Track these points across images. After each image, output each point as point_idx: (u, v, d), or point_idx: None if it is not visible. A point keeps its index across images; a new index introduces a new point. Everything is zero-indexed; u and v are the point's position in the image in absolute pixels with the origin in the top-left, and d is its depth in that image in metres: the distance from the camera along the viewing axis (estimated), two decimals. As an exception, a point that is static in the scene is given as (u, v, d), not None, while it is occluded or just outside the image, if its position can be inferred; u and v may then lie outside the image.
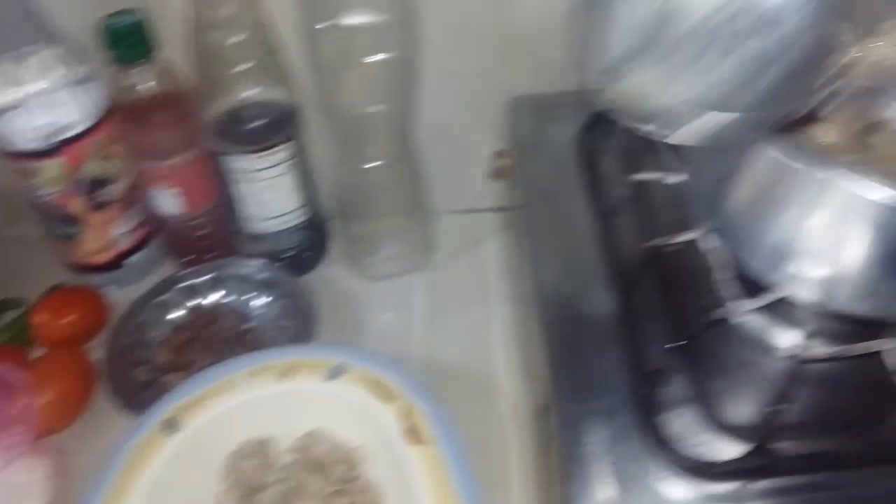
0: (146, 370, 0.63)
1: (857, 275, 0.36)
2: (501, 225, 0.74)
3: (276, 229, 0.66)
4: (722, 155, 0.39)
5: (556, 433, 0.41)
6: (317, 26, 0.54)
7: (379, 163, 0.63)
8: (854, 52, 0.46)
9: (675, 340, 0.40)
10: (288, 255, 0.69)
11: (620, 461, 0.39)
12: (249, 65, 0.57)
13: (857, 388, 0.41)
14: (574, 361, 0.43)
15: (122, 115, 0.61)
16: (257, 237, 0.67)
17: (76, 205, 0.63)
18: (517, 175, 0.55)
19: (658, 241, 0.43)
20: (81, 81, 0.59)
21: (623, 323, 0.44)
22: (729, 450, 0.39)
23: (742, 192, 0.38)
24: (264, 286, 0.67)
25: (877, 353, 0.40)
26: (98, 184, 0.63)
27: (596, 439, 0.39)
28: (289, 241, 0.68)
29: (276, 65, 0.60)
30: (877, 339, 0.40)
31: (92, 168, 0.62)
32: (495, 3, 0.62)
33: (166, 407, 0.55)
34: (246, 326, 0.66)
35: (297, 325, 0.64)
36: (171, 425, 0.54)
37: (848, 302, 0.37)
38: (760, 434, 0.37)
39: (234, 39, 0.56)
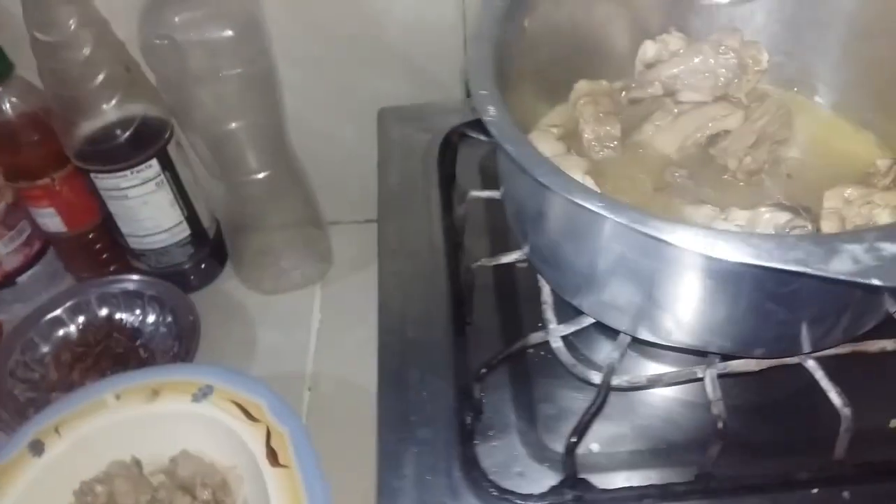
0: (31, 390, 0.63)
1: (655, 308, 0.36)
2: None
3: (158, 245, 0.66)
4: (515, 180, 0.39)
5: (377, 465, 0.40)
6: (156, 41, 0.53)
7: (257, 176, 0.63)
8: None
9: (490, 365, 0.40)
10: (179, 269, 0.69)
11: (435, 495, 0.38)
12: (101, 79, 0.57)
13: (673, 417, 0.41)
14: (401, 386, 0.43)
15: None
16: (143, 253, 0.67)
17: (-45, 225, 0.63)
18: (383, 182, 0.54)
19: (484, 262, 0.43)
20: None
21: (454, 346, 0.43)
22: (543, 481, 0.39)
23: (537, 221, 0.38)
24: (153, 302, 0.67)
25: (700, 380, 0.40)
26: (-28, 206, 0.63)
27: (412, 471, 0.39)
28: (176, 256, 0.68)
29: (135, 81, 0.59)
30: (696, 365, 0.40)
31: (-41, 193, 0.62)
32: (360, 14, 0.61)
33: (32, 429, 0.55)
34: (140, 342, 0.67)
35: (179, 344, 0.63)
36: (37, 447, 0.54)
37: (648, 331, 0.37)
38: (568, 465, 0.37)
39: (80, 56, 0.56)
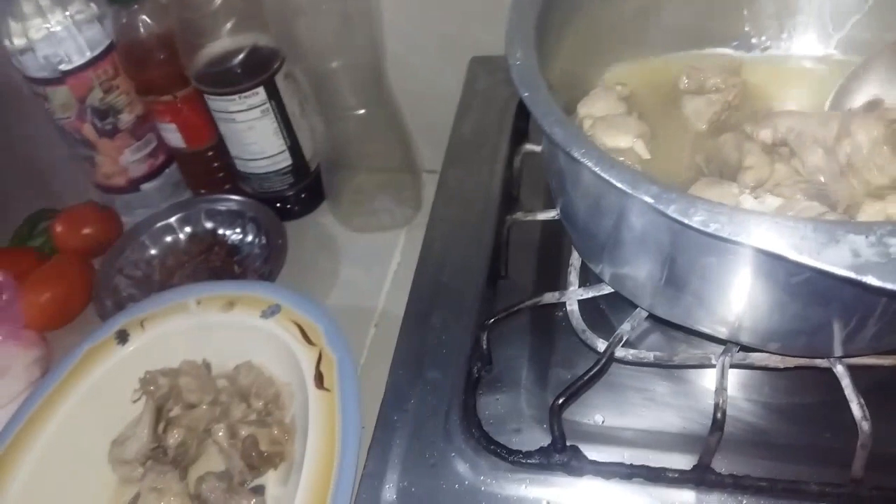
0: (135, 287, 0.70)
1: (671, 285, 0.34)
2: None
3: (261, 171, 0.70)
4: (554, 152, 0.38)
5: (383, 394, 0.42)
6: None
7: (354, 113, 0.65)
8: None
9: (498, 317, 0.39)
10: (280, 197, 0.73)
11: (430, 435, 0.39)
12: (218, 3, 0.61)
13: (687, 403, 0.39)
14: (423, 332, 0.43)
15: (121, 51, 0.67)
16: (249, 177, 0.71)
17: (88, 130, 0.70)
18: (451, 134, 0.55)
19: (519, 216, 0.43)
20: (82, 21, 0.65)
21: (482, 296, 0.44)
22: (537, 442, 0.38)
23: (558, 177, 0.37)
24: (252, 223, 0.72)
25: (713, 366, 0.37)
26: (104, 113, 0.70)
27: (414, 408, 0.40)
28: (276, 183, 0.72)
29: (249, 9, 0.63)
30: (713, 352, 0.37)
31: (96, 97, 0.68)
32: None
33: (121, 320, 0.61)
34: (236, 258, 0.71)
35: (266, 265, 0.67)
36: (122, 337, 0.60)
37: (663, 309, 0.35)
38: (555, 428, 0.36)
39: None
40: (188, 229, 0.73)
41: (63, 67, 0.66)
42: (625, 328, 0.37)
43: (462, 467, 0.37)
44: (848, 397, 0.35)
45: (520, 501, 0.37)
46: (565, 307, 0.39)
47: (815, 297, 0.31)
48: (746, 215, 0.27)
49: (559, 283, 0.42)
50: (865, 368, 0.36)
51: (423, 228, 0.71)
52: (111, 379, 0.59)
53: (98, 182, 0.75)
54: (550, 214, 0.42)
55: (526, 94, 0.32)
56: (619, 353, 0.37)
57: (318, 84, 0.64)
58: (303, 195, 0.74)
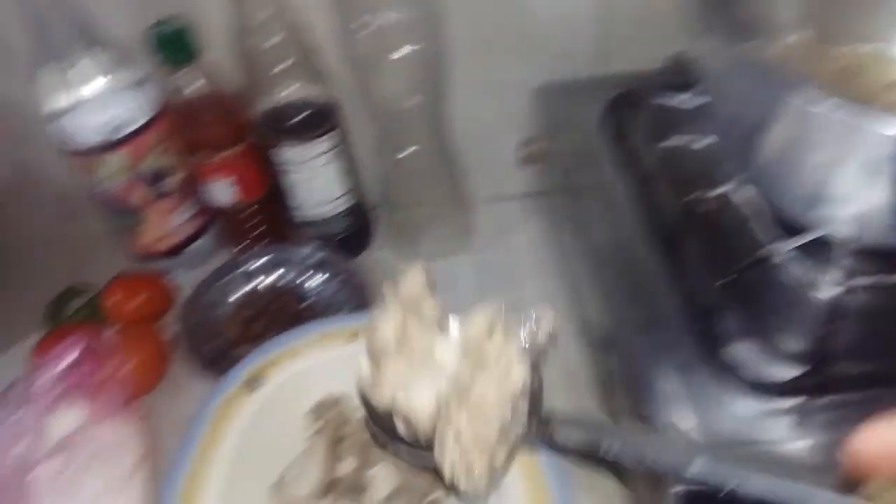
0: (219, 343, 0.69)
1: (886, 209, 0.42)
2: (533, 209, 0.80)
3: (324, 215, 0.73)
4: (749, 109, 0.46)
5: (623, 366, 0.47)
6: (350, 26, 0.61)
7: (414, 149, 0.69)
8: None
9: (723, 278, 0.46)
10: (336, 239, 0.75)
11: (689, 385, 0.45)
12: (288, 64, 0.64)
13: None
14: (631, 305, 0.49)
15: (175, 112, 0.68)
16: (307, 223, 0.73)
17: (138, 196, 0.69)
18: (549, 155, 0.61)
19: (695, 196, 0.50)
20: (137, 82, 0.65)
21: (670, 271, 0.50)
22: (788, 372, 0.45)
23: (772, 142, 0.45)
24: (318, 267, 0.73)
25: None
26: (158, 176, 0.69)
27: (662, 369, 0.45)
28: (337, 226, 0.74)
29: (313, 63, 0.66)
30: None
31: (152, 161, 0.68)
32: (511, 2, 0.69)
33: (247, 367, 0.60)
34: (303, 305, 0.72)
35: (353, 300, 0.69)
36: (252, 383, 0.59)
37: (881, 235, 0.44)
38: (814, 358, 0.44)
39: (272, 42, 0.63)
40: (253, 283, 0.73)
41: (122, 131, 0.65)
42: (843, 263, 0.45)
43: (729, 406, 0.43)
44: None
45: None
46: (770, 262, 0.46)
47: None
48: None
49: (743, 249, 0.49)
50: None
51: (477, 254, 0.78)
52: (253, 427, 0.58)
53: (140, 250, 0.73)
54: (727, 188, 0.50)
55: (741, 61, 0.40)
56: (848, 283, 0.45)
57: (385, 124, 0.69)
58: (357, 235, 0.77)
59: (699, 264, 0.50)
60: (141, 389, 0.65)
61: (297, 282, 0.73)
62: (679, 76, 0.62)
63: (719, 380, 0.45)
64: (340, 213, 0.73)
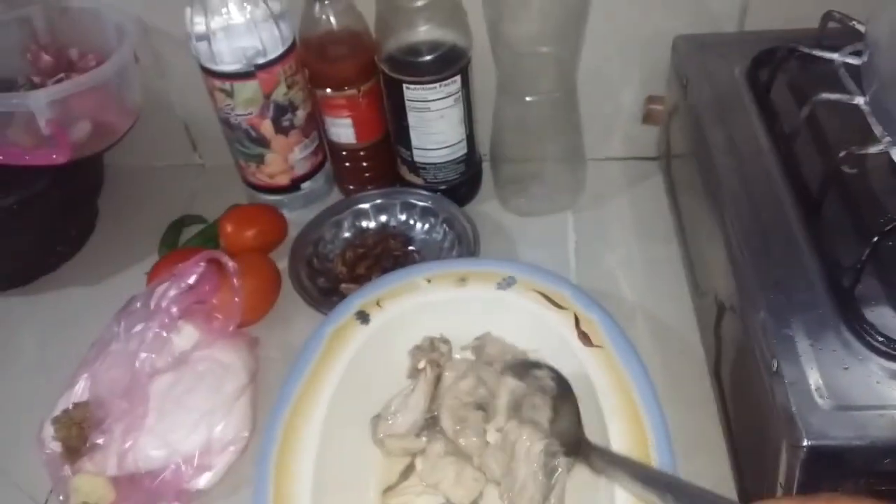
0: (326, 278, 0.70)
1: None
2: (644, 172, 0.79)
3: (440, 160, 0.73)
4: None
5: (758, 326, 0.45)
6: None
7: (535, 98, 0.68)
8: None
9: (869, 238, 0.44)
10: (445, 186, 0.75)
11: (820, 343, 0.43)
12: (423, 3, 0.64)
13: None
14: (767, 262, 0.47)
15: (306, 46, 0.69)
16: (420, 167, 0.74)
17: (266, 127, 0.70)
18: (679, 111, 0.59)
19: (846, 153, 0.48)
20: (277, 14, 0.66)
21: (811, 229, 0.48)
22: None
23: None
24: (426, 213, 0.74)
25: None
26: (284, 109, 0.70)
27: (800, 327, 0.44)
28: (449, 172, 0.74)
29: (449, 4, 0.66)
30: None
31: (281, 93, 0.69)
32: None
33: (359, 300, 0.61)
34: (410, 249, 0.73)
35: (462, 247, 0.69)
36: (363, 316, 0.60)
37: None
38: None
39: None
40: (361, 223, 0.74)
41: (259, 60, 0.66)
42: None
43: (874, 367, 0.42)
44: None
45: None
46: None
47: None
48: None
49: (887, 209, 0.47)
50: None
51: (588, 212, 0.76)
52: (362, 358, 0.59)
53: (258, 182, 0.75)
54: (879, 147, 0.48)
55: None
56: None
57: (504, 71, 0.68)
58: (466, 185, 0.77)
59: (843, 224, 0.48)
60: (252, 316, 0.67)
61: (406, 225, 0.74)
62: (828, 35, 0.59)
63: (851, 342, 0.43)
64: (455, 159, 0.73)
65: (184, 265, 0.60)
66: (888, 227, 0.43)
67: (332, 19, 0.67)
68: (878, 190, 0.49)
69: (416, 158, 0.73)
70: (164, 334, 0.58)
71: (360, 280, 0.69)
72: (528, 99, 0.68)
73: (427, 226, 0.74)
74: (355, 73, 0.70)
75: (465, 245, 0.69)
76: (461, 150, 0.73)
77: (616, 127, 0.79)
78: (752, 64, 0.61)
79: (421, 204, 0.74)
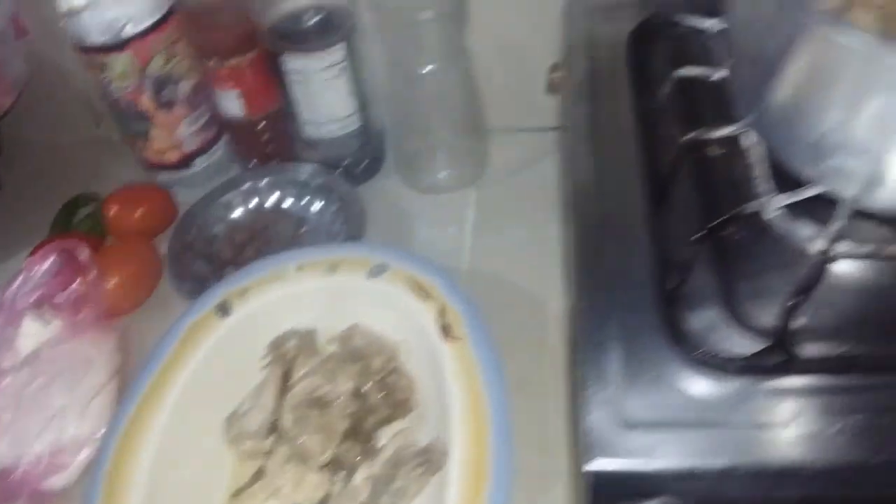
0: (207, 263, 0.67)
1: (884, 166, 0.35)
2: (553, 145, 0.74)
3: (331, 135, 0.69)
4: (768, 42, 0.38)
5: (575, 325, 0.42)
6: None
7: (432, 67, 0.64)
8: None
9: (710, 229, 0.40)
10: (343, 163, 0.71)
11: (638, 353, 0.39)
12: None
13: (888, 292, 0.40)
14: (601, 258, 0.43)
15: (185, 13, 0.65)
16: (314, 143, 0.70)
17: (145, 102, 0.67)
18: (566, 76, 0.55)
19: (694, 135, 0.43)
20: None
21: (654, 219, 0.44)
22: (749, 347, 0.39)
23: (787, 80, 0.37)
24: (320, 191, 0.70)
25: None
26: (163, 82, 0.66)
27: (614, 332, 0.40)
28: (344, 148, 0.70)
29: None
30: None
31: (158, 65, 0.65)
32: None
33: (220, 291, 0.59)
34: (302, 230, 0.70)
35: (347, 230, 0.66)
36: (224, 309, 0.58)
37: (891, 199, 0.37)
38: (781, 332, 0.37)
39: None
40: (252, 203, 0.71)
41: (128, 31, 0.62)
42: (835, 226, 0.38)
43: (681, 382, 0.38)
44: None
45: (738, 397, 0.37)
46: (760, 217, 0.40)
47: None
48: None
49: (733, 201, 0.43)
50: None
51: (490, 187, 0.72)
52: (218, 353, 0.56)
53: (149, 160, 0.72)
54: (729, 130, 0.43)
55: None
56: (836, 249, 0.38)
57: (398, 37, 0.63)
58: (366, 160, 0.73)
59: (685, 215, 0.44)
60: (124, 306, 0.64)
61: (298, 206, 0.71)
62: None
63: (665, 353, 0.39)
64: (348, 134, 0.69)
65: (31, 258, 0.57)
66: (714, 224, 0.39)
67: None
68: (729, 179, 0.44)
69: (308, 133, 0.69)
70: (12, 330, 0.56)
71: (246, 265, 0.66)
72: (418, 70, 0.64)
73: (319, 205, 0.70)
74: (238, 42, 0.65)
75: (353, 226, 0.66)
76: (354, 124, 0.69)
77: (525, 96, 0.74)
78: (632, 33, 0.56)
79: (314, 182, 0.70)
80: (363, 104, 0.69)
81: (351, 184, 0.71)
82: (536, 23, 0.67)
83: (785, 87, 0.40)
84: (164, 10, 0.64)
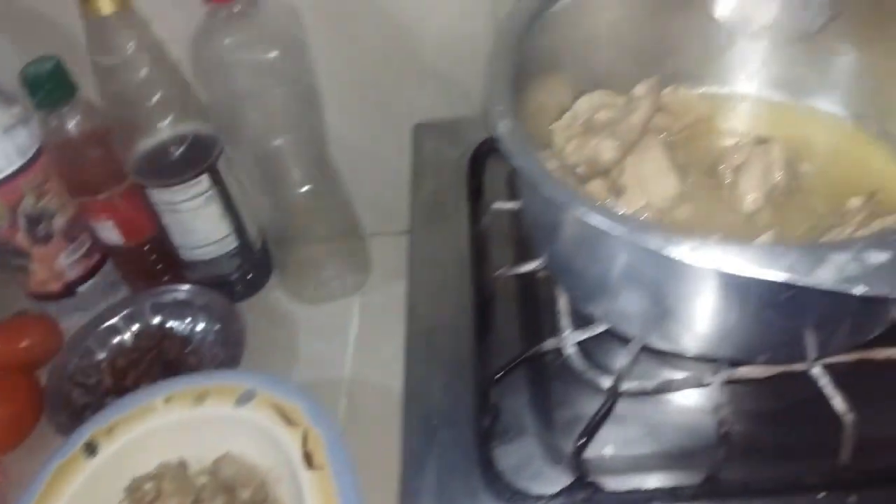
0: (85, 393, 0.67)
1: (663, 315, 0.37)
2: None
3: (208, 257, 0.70)
4: (529, 193, 0.40)
5: (400, 466, 0.42)
6: (207, 63, 0.57)
7: (301, 190, 0.66)
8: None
9: (506, 369, 0.41)
10: (227, 280, 0.72)
11: (455, 496, 0.40)
12: (157, 99, 0.61)
13: (685, 422, 0.42)
14: (426, 391, 0.45)
15: (54, 153, 0.66)
16: (193, 264, 0.71)
17: (20, 239, 0.68)
18: (411, 200, 0.57)
19: (503, 271, 0.45)
20: (8, 127, 0.63)
21: (475, 353, 0.45)
22: (558, 483, 0.40)
23: (554, 234, 0.40)
24: (202, 311, 0.71)
25: (708, 385, 0.41)
26: (37, 219, 0.67)
27: (433, 471, 0.41)
28: (224, 267, 0.71)
29: (187, 99, 0.63)
30: (705, 371, 0.41)
31: (29, 203, 0.66)
32: (395, 31, 0.64)
33: (88, 430, 0.59)
34: (189, 350, 0.70)
35: (225, 351, 0.67)
36: (90, 448, 0.58)
37: (658, 338, 0.38)
38: (577, 467, 0.39)
39: (137, 78, 0.60)
40: (135, 327, 0.71)
41: (-3, 176, 0.64)
42: (624, 362, 0.39)
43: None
44: (828, 395, 0.38)
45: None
46: (562, 352, 0.41)
47: (796, 310, 0.34)
48: (739, 247, 0.30)
49: (547, 330, 0.44)
50: (840, 364, 0.39)
51: (375, 292, 0.74)
52: (85, 495, 0.56)
53: (32, 291, 0.73)
54: (532, 266, 0.45)
55: (520, 163, 0.35)
56: (624, 387, 0.39)
57: (261, 163, 0.65)
58: (249, 275, 0.74)
59: (499, 349, 0.45)
60: (7, 444, 0.64)
61: (182, 327, 0.71)
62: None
63: (485, 490, 0.40)
64: (226, 253, 0.71)
65: None
66: (510, 364, 0.40)
67: (70, 126, 0.64)
68: (538, 313, 0.46)
69: (183, 257, 0.70)
70: None
71: (129, 391, 0.66)
72: (288, 191, 0.66)
73: (202, 325, 0.71)
74: (106, 177, 0.67)
75: (231, 346, 0.67)
76: (230, 244, 0.70)
77: (398, 201, 0.75)
78: (471, 157, 0.58)
79: (197, 302, 0.71)
80: (238, 225, 0.70)
81: (237, 299, 0.72)
82: (394, 136, 0.69)
83: (555, 239, 0.42)
84: (31, 152, 0.65)
